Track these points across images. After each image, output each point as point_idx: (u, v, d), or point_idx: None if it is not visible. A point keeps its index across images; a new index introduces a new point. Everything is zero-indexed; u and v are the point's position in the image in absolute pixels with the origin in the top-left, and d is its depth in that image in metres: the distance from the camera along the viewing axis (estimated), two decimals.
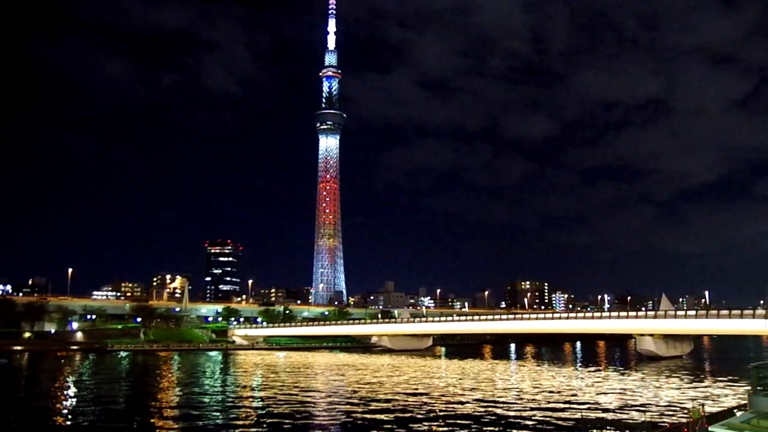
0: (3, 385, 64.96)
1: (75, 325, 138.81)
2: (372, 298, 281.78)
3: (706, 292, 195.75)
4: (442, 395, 47.67)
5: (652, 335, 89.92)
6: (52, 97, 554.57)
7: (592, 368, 77.31)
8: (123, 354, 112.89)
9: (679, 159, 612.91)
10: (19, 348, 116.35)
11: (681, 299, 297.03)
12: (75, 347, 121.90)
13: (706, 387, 53.11)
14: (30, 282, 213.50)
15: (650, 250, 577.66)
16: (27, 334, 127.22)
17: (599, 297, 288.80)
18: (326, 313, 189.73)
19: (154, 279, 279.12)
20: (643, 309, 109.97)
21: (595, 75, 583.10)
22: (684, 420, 25.72)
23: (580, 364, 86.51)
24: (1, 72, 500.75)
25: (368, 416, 37.39)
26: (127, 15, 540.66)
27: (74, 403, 46.71)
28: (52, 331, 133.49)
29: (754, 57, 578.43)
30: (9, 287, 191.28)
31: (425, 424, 34.65)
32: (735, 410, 25.03)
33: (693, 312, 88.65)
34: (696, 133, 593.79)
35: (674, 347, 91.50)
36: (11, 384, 65.72)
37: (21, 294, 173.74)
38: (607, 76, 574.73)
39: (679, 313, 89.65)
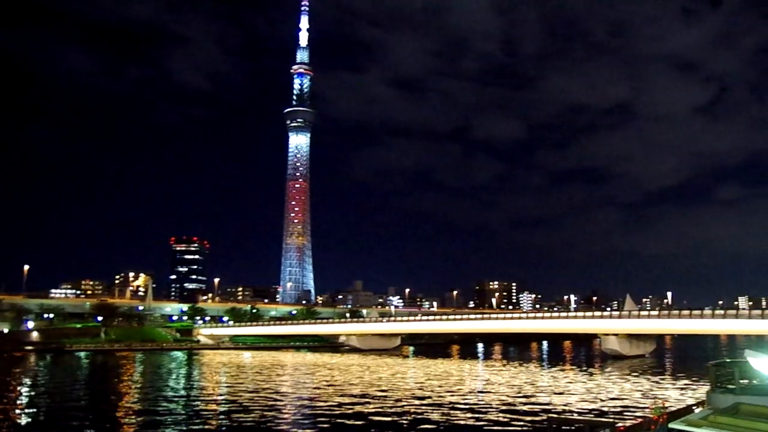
0: None
1: (30, 324, 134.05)
2: (340, 297, 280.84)
3: (669, 293, 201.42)
4: (411, 395, 47.34)
5: (616, 335, 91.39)
6: (11, 87, 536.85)
7: (558, 367, 78.25)
8: (82, 354, 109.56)
9: (644, 163, 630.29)
10: None
11: (645, 300, 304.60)
12: (30, 347, 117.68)
13: (667, 385, 54.20)
14: None
15: (616, 251, 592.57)
16: None
17: (566, 297, 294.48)
18: (294, 312, 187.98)
19: (117, 277, 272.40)
20: (608, 309, 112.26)
21: (564, 79, 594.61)
22: (646, 417, 25.89)
23: (546, 364, 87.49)
24: None
25: (337, 418, 36.71)
26: (93, 5, 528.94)
27: (25, 405, 44.70)
28: (5, 330, 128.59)
29: (716, 66, 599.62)
30: None
31: (394, 424, 34.18)
32: (694, 407, 25.34)
33: (656, 312, 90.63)
34: (660, 138, 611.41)
35: (638, 346, 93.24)
36: None
37: None
38: (576, 80, 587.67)
39: (643, 313, 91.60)
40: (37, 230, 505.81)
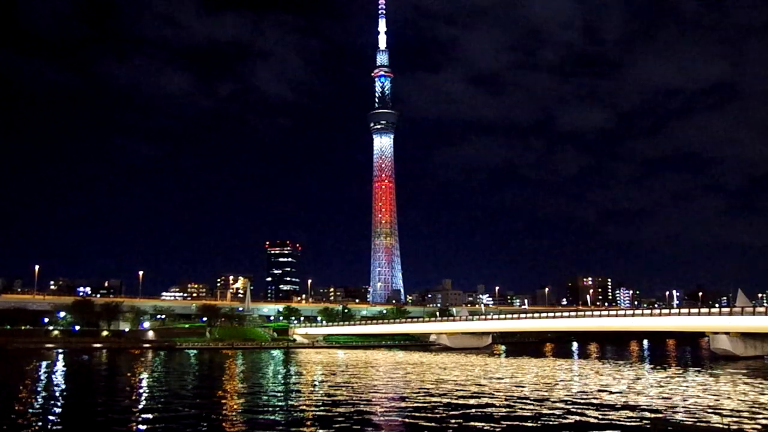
0: (86, 379, 69.15)
1: (146, 324, 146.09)
2: (429, 296, 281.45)
3: None
4: (504, 395, 46.84)
5: (728, 333, 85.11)
6: (122, 111, 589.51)
7: (662, 368, 73.95)
8: (191, 352, 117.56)
9: (751, 145, 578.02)
10: (98, 345, 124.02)
11: (760, 295, 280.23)
12: (147, 345, 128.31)
13: None
14: (106, 284, 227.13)
15: (721, 242, 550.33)
16: (104, 333, 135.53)
17: (667, 293, 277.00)
18: (384, 311, 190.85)
19: (218, 280, 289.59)
20: (717, 305, 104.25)
21: (653, 62, 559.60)
22: None
23: (648, 364, 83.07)
24: (76, 90, 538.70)
25: (429, 414, 37.23)
26: (184, 30, 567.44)
27: (149, 395, 49.02)
28: (126, 329, 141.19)
29: None
30: (88, 289, 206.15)
31: (486, 424, 34.14)
32: None
33: None
34: None
35: (754, 347, 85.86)
36: (93, 378, 70.06)
37: (98, 295, 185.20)
38: (666, 62, 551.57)
39: (759, 309, 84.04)
40: (150, 238, 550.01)
